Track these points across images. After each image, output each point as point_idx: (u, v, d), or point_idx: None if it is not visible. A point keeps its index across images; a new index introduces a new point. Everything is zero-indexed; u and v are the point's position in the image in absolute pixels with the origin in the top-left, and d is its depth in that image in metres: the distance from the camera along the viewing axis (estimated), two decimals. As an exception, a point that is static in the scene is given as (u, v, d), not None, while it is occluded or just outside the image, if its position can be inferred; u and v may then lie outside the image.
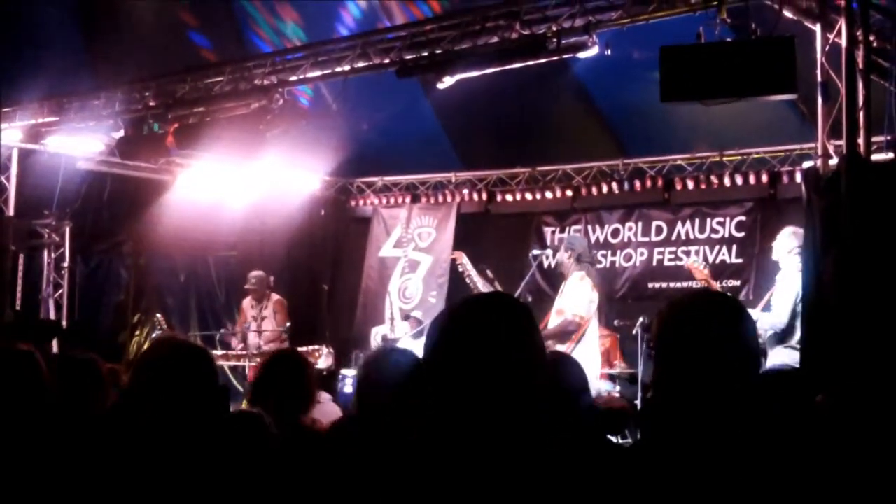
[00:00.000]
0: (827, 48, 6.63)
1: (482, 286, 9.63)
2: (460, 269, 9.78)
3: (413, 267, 12.84)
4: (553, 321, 8.31)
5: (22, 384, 3.35)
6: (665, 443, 2.14)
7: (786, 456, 2.10)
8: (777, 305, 7.73)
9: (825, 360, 6.15)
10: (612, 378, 9.73)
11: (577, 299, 8.20)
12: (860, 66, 6.41)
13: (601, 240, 11.66)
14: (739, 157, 10.72)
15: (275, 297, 11.32)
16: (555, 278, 11.48)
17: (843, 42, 6.39)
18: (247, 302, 11.39)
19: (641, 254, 11.38)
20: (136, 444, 2.95)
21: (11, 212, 10.76)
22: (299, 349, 9.76)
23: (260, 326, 11.08)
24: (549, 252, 11.74)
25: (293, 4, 10.71)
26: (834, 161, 6.64)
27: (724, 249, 10.75)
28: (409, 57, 8.04)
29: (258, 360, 10.38)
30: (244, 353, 10.80)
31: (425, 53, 7.92)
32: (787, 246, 7.86)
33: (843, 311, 6.14)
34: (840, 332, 6.11)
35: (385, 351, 3.51)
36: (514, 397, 1.89)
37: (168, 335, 9.29)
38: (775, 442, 2.13)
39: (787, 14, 6.63)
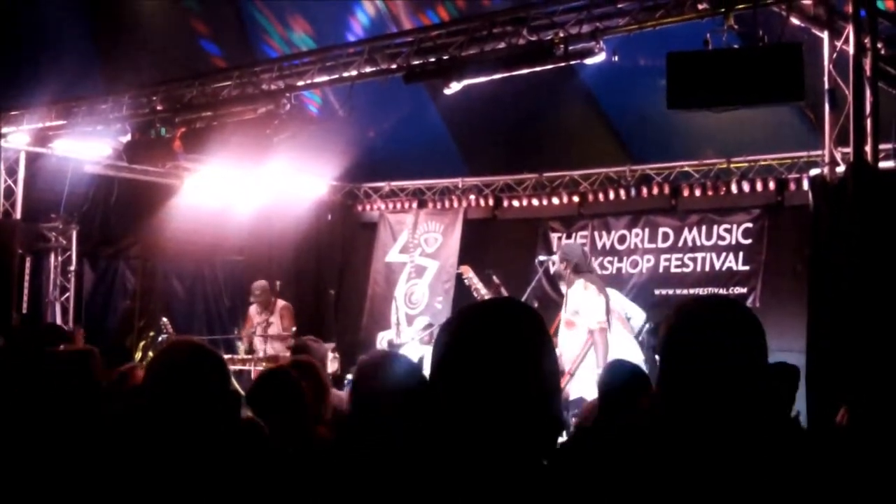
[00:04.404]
0: (834, 55, 6.63)
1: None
2: (466, 283, 9.71)
3: (419, 272, 12.85)
4: (564, 333, 8.26)
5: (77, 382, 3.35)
6: (669, 449, 2.13)
7: (792, 463, 2.09)
8: None
9: (832, 368, 6.14)
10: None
11: (589, 309, 8.18)
12: (868, 73, 6.42)
13: (608, 246, 11.64)
14: (746, 164, 10.69)
15: (281, 302, 11.33)
16: (561, 284, 11.49)
17: (851, 49, 6.38)
18: (253, 309, 11.45)
19: (648, 260, 11.35)
20: (149, 445, 2.95)
21: (19, 215, 10.79)
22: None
23: (266, 332, 11.09)
24: (556, 258, 11.70)
25: (303, 14, 10.73)
26: (841, 168, 6.63)
27: (731, 256, 10.72)
28: (416, 62, 8.04)
29: (263, 364, 10.38)
30: (249, 357, 10.80)
31: (432, 59, 7.92)
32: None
33: (850, 317, 6.12)
34: (848, 339, 6.09)
35: (384, 358, 3.48)
36: (527, 406, 1.88)
37: (184, 338, 9.30)
38: (779, 451, 2.12)
39: (795, 21, 6.63)
